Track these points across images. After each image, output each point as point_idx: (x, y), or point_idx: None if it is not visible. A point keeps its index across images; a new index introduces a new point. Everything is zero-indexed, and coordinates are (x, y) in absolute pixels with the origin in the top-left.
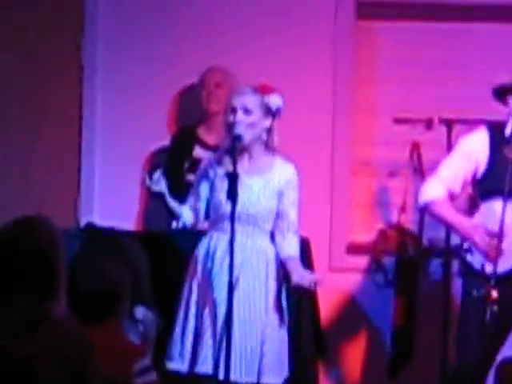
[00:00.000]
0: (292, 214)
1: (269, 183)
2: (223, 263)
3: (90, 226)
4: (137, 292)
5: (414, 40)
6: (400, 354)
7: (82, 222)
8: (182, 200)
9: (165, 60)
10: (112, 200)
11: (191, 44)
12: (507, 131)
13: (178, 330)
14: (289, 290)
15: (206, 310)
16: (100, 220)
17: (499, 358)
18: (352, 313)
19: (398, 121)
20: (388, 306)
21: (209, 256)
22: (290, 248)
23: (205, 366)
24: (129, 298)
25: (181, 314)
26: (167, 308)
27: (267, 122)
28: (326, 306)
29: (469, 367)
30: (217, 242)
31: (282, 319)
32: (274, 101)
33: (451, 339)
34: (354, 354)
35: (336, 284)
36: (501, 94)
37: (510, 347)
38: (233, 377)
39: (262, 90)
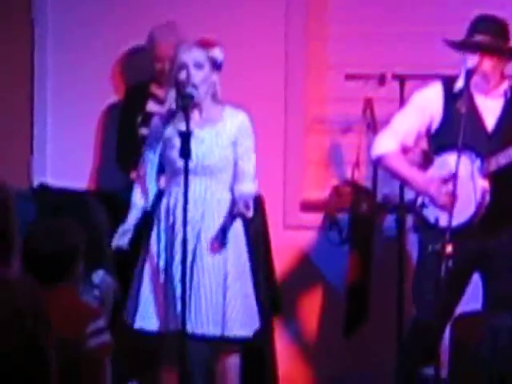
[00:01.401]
0: (247, 162)
1: (220, 133)
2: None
3: (44, 187)
4: (97, 251)
5: None
6: (355, 311)
7: (35, 183)
8: (130, 155)
9: (114, 19)
10: (65, 160)
11: (140, 3)
12: (457, 85)
13: (146, 289)
14: (249, 240)
15: (173, 267)
16: (53, 180)
17: (456, 313)
18: (307, 270)
19: (351, 77)
20: (343, 262)
21: (169, 212)
22: (244, 187)
23: (173, 324)
24: (84, 260)
25: (147, 273)
26: (126, 268)
27: (214, 76)
28: (281, 264)
29: (425, 322)
30: (176, 197)
31: (242, 272)
32: (219, 54)
33: (407, 295)
34: (310, 311)
35: (290, 241)
36: (451, 46)
37: (467, 302)
38: (200, 330)
39: (207, 44)
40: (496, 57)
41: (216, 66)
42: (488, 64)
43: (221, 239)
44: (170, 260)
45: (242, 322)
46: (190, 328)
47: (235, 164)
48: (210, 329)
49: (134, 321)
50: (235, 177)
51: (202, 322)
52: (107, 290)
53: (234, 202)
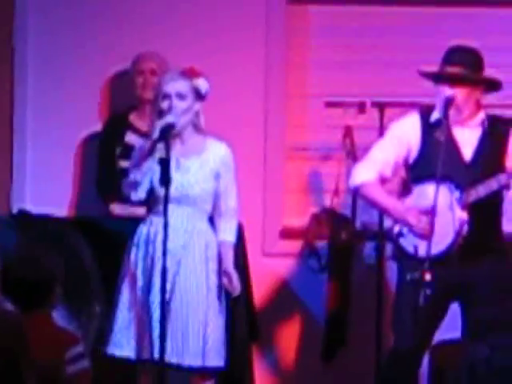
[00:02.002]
0: (230, 196)
1: (204, 164)
2: (169, 247)
3: (23, 213)
4: (77, 281)
5: (346, 24)
6: (334, 339)
7: (14, 209)
8: (110, 187)
9: (96, 47)
10: (44, 186)
11: (122, 30)
12: (434, 115)
13: (120, 316)
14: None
15: (151, 295)
16: (32, 207)
17: (435, 341)
18: (286, 297)
19: (331, 105)
20: (322, 290)
21: (149, 241)
22: (225, 233)
23: (147, 352)
24: (61, 286)
25: (124, 300)
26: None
27: (197, 106)
28: (260, 291)
29: (404, 351)
30: (157, 227)
31: (221, 302)
32: (203, 84)
33: (386, 323)
34: (288, 339)
35: (269, 268)
36: (426, 77)
37: (445, 330)
38: (176, 360)
39: (191, 74)
40: (467, 88)
41: (200, 96)
42: (460, 95)
43: (219, 300)
44: (148, 288)
45: (219, 352)
46: (169, 358)
47: (217, 197)
48: (192, 360)
49: (106, 347)
50: (218, 211)
51: (188, 353)
52: (93, 317)
53: (220, 256)
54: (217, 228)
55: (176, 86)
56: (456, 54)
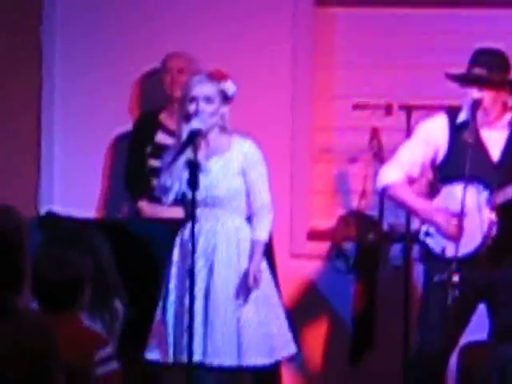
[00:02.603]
0: (259, 193)
1: (228, 162)
2: (198, 251)
3: (51, 215)
4: (100, 281)
5: (373, 26)
6: (361, 340)
7: (42, 211)
8: (139, 186)
9: (126, 46)
10: (73, 188)
11: (152, 30)
12: (461, 116)
13: (157, 320)
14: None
15: (185, 298)
16: (61, 208)
17: (462, 342)
18: (313, 299)
19: (358, 106)
20: (349, 292)
21: (184, 245)
22: (255, 231)
23: (183, 354)
24: (90, 287)
25: (161, 304)
26: (133, 296)
27: (224, 109)
28: (288, 292)
29: (431, 353)
30: (190, 230)
31: (247, 292)
32: (230, 87)
33: (413, 325)
34: (316, 340)
35: (297, 270)
36: (453, 79)
37: (472, 332)
38: (216, 361)
39: (218, 77)
40: (494, 89)
41: (226, 98)
42: (487, 97)
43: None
44: (183, 292)
45: (258, 350)
46: (206, 359)
47: (248, 194)
48: (227, 359)
49: (148, 351)
50: (251, 209)
51: (219, 353)
52: (116, 314)
53: (251, 252)
54: (252, 226)
55: (203, 89)
56: (482, 56)
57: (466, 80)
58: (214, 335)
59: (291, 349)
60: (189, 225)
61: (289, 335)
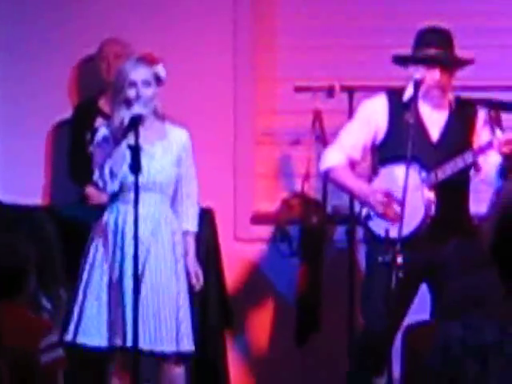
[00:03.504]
0: (191, 182)
1: (167, 150)
2: (130, 235)
3: None
4: (47, 266)
5: (315, 7)
6: (306, 322)
7: None
8: (82, 172)
9: (62, 34)
10: (15, 175)
11: (89, 16)
12: (405, 97)
13: (89, 305)
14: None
15: (120, 283)
16: (3, 196)
17: (405, 322)
18: (258, 282)
19: (300, 89)
20: (293, 274)
21: (118, 230)
22: (188, 223)
23: (119, 340)
24: (35, 274)
25: (91, 289)
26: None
27: (157, 92)
28: (232, 276)
29: (376, 333)
30: (125, 215)
31: (190, 286)
32: (162, 70)
33: (358, 305)
34: (261, 323)
35: (241, 254)
36: (401, 61)
37: (416, 312)
38: (149, 346)
39: (151, 61)
40: (444, 69)
41: (160, 81)
42: (446, 76)
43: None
44: (119, 277)
45: (191, 336)
46: (142, 345)
47: (177, 183)
48: (165, 345)
49: (75, 336)
50: (179, 198)
51: (156, 339)
52: (60, 303)
53: (185, 243)
54: (179, 215)
55: (141, 73)
56: (431, 35)
57: (416, 61)
58: (147, 321)
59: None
60: (117, 209)
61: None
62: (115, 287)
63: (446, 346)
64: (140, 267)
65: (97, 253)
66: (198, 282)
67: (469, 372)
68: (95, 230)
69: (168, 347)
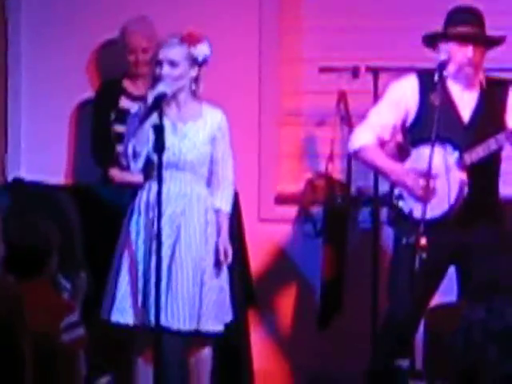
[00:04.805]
0: (226, 164)
1: (201, 129)
2: (165, 213)
3: (18, 181)
4: (68, 247)
5: None
6: (329, 304)
7: (10, 178)
8: (105, 151)
9: (86, 14)
10: (40, 155)
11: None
12: (436, 78)
13: (124, 283)
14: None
15: (151, 261)
16: (27, 175)
17: (432, 304)
18: (281, 263)
19: (325, 70)
20: (317, 255)
21: (149, 207)
22: (222, 201)
23: (146, 318)
24: (58, 254)
25: (126, 267)
26: (100, 262)
27: (194, 73)
28: (256, 257)
29: (401, 316)
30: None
31: (219, 266)
32: (201, 50)
33: (382, 288)
34: (285, 304)
35: (265, 234)
36: (432, 40)
37: (443, 294)
38: (176, 325)
39: (189, 40)
40: (479, 47)
41: (197, 62)
42: (479, 54)
43: (217, 263)
44: (149, 254)
45: (216, 316)
46: (165, 322)
47: (213, 163)
48: (186, 323)
49: (110, 314)
50: (215, 178)
51: (179, 317)
52: (80, 281)
53: (217, 222)
54: (214, 195)
55: (169, 53)
56: (463, 14)
57: (455, 38)
58: (176, 300)
59: (230, 316)
60: (150, 187)
61: (229, 301)
62: (146, 265)
63: (468, 330)
64: (171, 246)
65: (130, 231)
66: (226, 260)
67: (490, 355)
68: (131, 207)
69: (189, 325)
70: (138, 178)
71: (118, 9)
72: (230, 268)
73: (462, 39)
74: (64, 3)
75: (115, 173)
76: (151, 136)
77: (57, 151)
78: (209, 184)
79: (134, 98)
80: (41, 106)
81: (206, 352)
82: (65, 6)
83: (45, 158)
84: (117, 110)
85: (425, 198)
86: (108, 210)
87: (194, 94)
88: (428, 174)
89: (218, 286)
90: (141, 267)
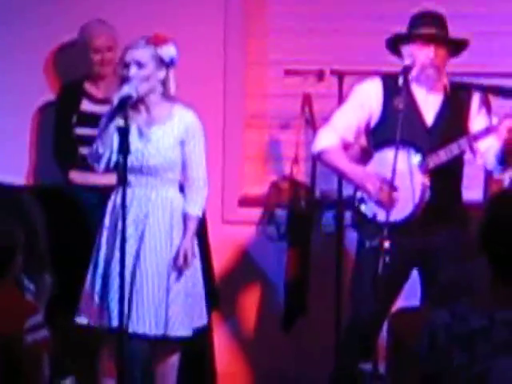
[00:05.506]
0: (196, 166)
1: (168, 132)
2: (129, 217)
3: None
4: (32, 247)
5: None
6: (293, 307)
7: None
8: (67, 154)
9: (48, 14)
10: (0, 155)
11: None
12: (400, 81)
13: (87, 285)
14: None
15: (114, 265)
16: None
17: (395, 308)
18: (245, 265)
19: (289, 73)
20: (281, 258)
21: (115, 210)
22: (189, 205)
23: (112, 320)
24: (22, 254)
25: (95, 270)
26: (64, 263)
27: (161, 74)
28: (220, 259)
29: (365, 318)
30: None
31: (183, 270)
32: (167, 51)
33: (345, 290)
34: (248, 306)
35: (229, 236)
36: (394, 44)
37: (405, 298)
38: (142, 329)
39: (155, 42)
40: (443, 49)
41: (164, 63)
42: (441, 56)
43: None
44: (112, 257)
45: (184, 321)
46: (131, 327)
47: (183, 166)
48: (152, 328)
49: (77, 316)
50: (185, 181)
51: (144, 321)
52: (44, 285)
53: (184, 223)
54: (185, 198)
55: (135, 54)
56: (425, 17)
57: (416, 38)
58: (141, 304)
59: (204, 320)
60: (120, 191)
61: (203, 305)
62: (107, 268)
63: (432, 334)
64: (135, 249)
65: (102, 235)
66: (186, 264)
67: (454, 360)
68: (104, 210)
69: (156, 331)
70: (98, 180)
71: (76, 8)
72: (203, 271)
73: (424, 40)
74: (18, 4)
75: (74, 175)
76: (116, 138)
77: (18, 151)
78: (181, 186)
79: (95, 101)
80: (0, 106)
81: (174, 359)
82: (24, 2)
83: (6, 158)
84: (78, 112)
85: (386, 202)
86: (73, 211)
87: (165, 96)
88: (392, 179)
89: (184, 291)
90: (110, 270)
